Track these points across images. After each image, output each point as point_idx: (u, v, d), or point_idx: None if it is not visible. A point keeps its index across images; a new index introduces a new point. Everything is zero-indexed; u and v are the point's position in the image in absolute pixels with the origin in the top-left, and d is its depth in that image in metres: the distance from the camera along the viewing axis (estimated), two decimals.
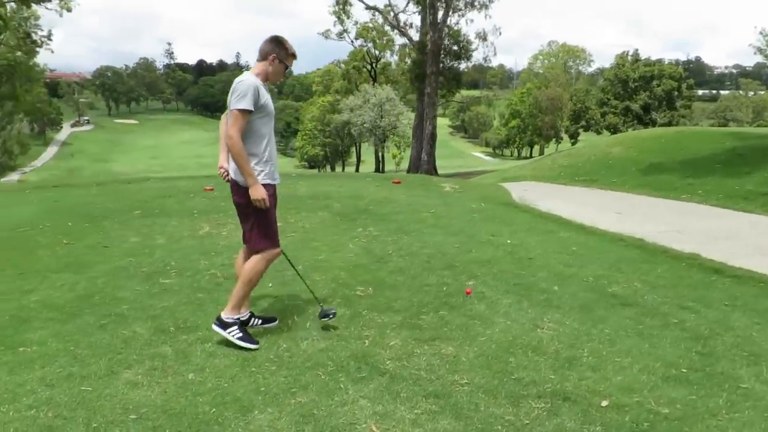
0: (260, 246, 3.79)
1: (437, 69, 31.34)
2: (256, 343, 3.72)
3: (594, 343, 3.87)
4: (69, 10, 34.70)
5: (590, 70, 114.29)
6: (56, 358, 3.52)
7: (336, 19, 47.78)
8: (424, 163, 31.86)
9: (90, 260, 5.57)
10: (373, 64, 61.26)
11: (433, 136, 31.79)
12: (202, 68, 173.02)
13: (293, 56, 3.82)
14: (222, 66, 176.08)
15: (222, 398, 3.10)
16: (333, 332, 3.95)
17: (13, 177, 71.98)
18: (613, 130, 61.96)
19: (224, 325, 3.74)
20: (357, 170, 68.72)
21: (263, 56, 3.75)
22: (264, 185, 3.70)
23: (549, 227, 7.50)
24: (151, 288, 4.82)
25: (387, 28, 45.63)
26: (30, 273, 5.15)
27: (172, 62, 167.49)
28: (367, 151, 67.61)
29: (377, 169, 58.11)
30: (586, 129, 76.53)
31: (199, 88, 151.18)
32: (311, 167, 78.91)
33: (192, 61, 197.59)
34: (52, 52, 45.48)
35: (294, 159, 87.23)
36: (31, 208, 8.43)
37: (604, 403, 3.07)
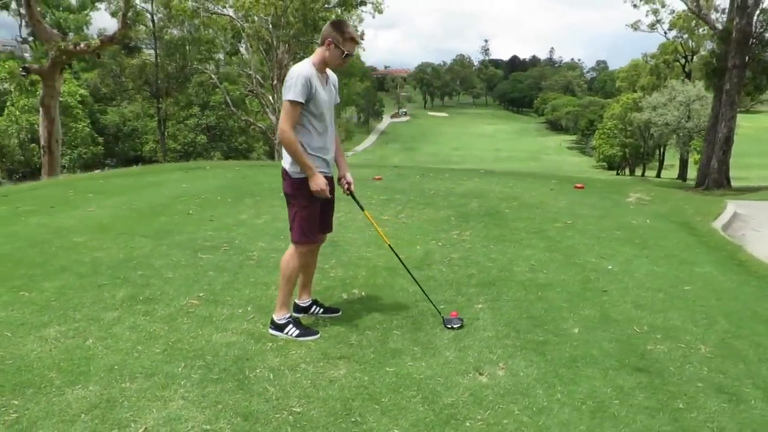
0: (297, 239, 3.69)
1: (741, 62, 26.07)
2: (316, 333, 3.70)
3: (515, 405, 2.97)
4: (380, 12, 38.62)
5: None
6: (30, 305, 4.12)
7: (648, 8, 43.54)
8: (713, 172, 26.95)
9: (181, 230, 6.27)
10: (688, 58, 54.41)
11: (727, 141, 26.66)
12: (514, 64, 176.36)
13: (352, 41, 3.53)
14: (534, 62, 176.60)
15: (78, 368, 3.26)
16: (265, 332, 3.77)
17: None
18: None
19: (279, 328, 3.70)
20: (658, 175, 62.37)
21: (322, 41, 3.56)
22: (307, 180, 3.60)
23: (698, 258, 5.81)
24: (186, 260, 5.22)
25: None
26: (127, 234, 6.04)
27: (486, 58, 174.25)
28: (672, 155, 60.85)
29: (680, 176, 51.90)
30: None
31: (509, 84, 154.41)
32: (609, 168, 74.50)
33: (506, 56, 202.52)
34: (364, 50, 51.46)
35: (591, 158, 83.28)
36: (218, 181, 9.79)
37: None
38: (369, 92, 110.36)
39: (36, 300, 4.22)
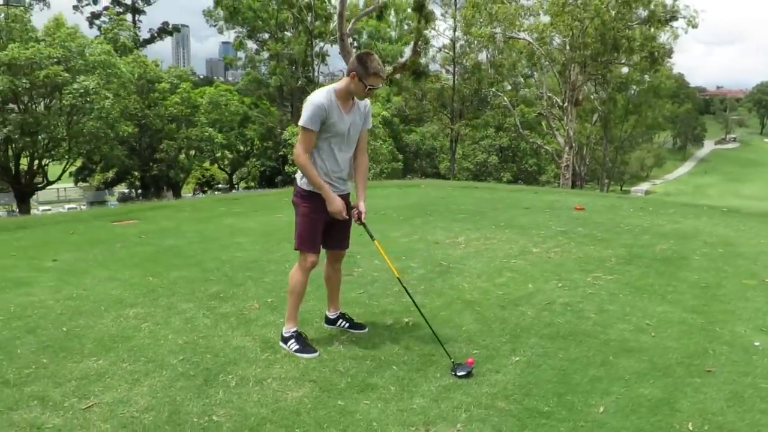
0: (296, 246, 3.93)
1: None
2: (315, 351, 3.76)
3: None
4: (694, 26, 35.04)
5: None
6: (142, 288, 5.04)
7: None
8: None
9: None
10: None
11: None
12: None
13: (375, 75, 3.60)
14: None
15: (113, 344, 3.91)
16: (268, 345, 3.96)
17: (642, 187, 77.45)
18: None
19: (284, 340, 3.85)
20: None
21: (347, 72, 3.73)
22: (313, 193, 3.77)
23: None
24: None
25: None
26: (280, 240, 6.76)
27: None
28: None
29: None
30: None
31: None
32: None
33: None
34: (670, 68, 46.94)
35: None
36: (413, 199, 10.14)
37: None
38: (689, 115, 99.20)
39: (151, 285, 5.08)
